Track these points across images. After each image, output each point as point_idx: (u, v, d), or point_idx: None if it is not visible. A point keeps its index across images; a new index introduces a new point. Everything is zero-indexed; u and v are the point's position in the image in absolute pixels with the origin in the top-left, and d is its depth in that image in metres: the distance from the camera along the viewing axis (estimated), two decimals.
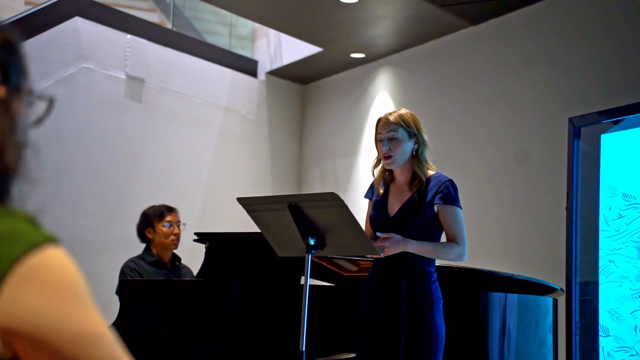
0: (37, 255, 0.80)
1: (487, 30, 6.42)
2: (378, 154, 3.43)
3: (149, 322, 4.15)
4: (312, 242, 2.97)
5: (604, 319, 4.76)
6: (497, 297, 3.88)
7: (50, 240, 0.82)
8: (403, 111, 3.37)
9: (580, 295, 4.91)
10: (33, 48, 6.13)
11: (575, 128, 5.02)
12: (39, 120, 0.94)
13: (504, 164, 6.15)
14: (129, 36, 6.89)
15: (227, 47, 8.06)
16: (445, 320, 3.25)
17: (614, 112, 4.94)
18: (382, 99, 7.35)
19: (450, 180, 3.30)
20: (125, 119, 6.83)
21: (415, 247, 3.18)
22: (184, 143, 7.26)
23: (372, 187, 3.51)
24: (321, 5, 6.32)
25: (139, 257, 4.77)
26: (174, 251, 4.88)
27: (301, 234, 2.97)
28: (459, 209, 3.28)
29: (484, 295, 3.83)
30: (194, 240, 4.55)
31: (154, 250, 4.78)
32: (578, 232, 4.95)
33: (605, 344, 4.73)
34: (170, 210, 4.82)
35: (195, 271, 4.65)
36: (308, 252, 2.98)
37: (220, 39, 8.37)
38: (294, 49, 7.62)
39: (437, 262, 3.36)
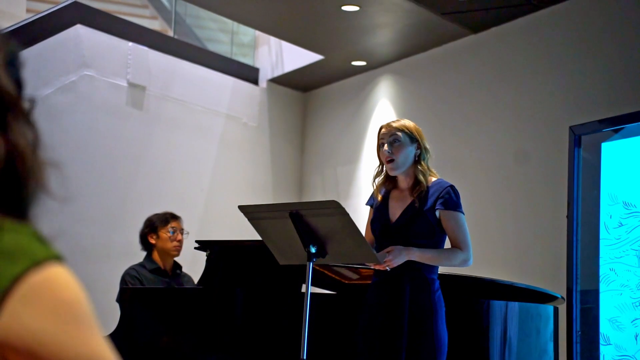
0: (39, 273, 0.79)
1: (487, 38, 6.43)
2: (380, 161, 3.42)
3: (150, 330, 4.15)
4: (313, 250, 2.97)
5: (604, 327, 4.76)
6: (498, 305, 3.87)
7: (54, 257, 0.81)
8: (405, 120, 3.39)
9: (581, 303, 4.91)
10: (35, 55, 6.15)
11: (576, 136, 5.03)
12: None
13: (505, 171, 6.15)
14: (130, 44, 6.90)
15: (228, 55, 8.07)
16: (447, 328, 3.25)
17: (615, 120, 4.94)
18: (383, 107, 7.36)
19: (452, 186, 3.29)
20: (126, 127, 6.84)
21: (418, 254, 3.18)
22: (185, 150, 7.26)
23: (373, 194, 3.51)
24: (322, 13, 6.34)
25: (140, 264, 4.77)
26: (176, 259, 4.88)
27: (302, 241, 2.97)
28: (461, 214, 3.28)
29: (485, 304, 3.83)
30: (195, 248, 4.55)
31: (155, 258, 4.78)
32: (579, 241, 4.94)
33: (605, 352, 4.72)
34: (175, 217, 4.85)
35: (196, 279, 4.66)
36: (309, 260, 2.98)
37: (221, 47, 8.39)
38: (295, 57, 7.63)
39: (438, 270, 3.35)
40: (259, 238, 3.18)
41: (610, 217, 4.80)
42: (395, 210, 3.34)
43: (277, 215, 3.02)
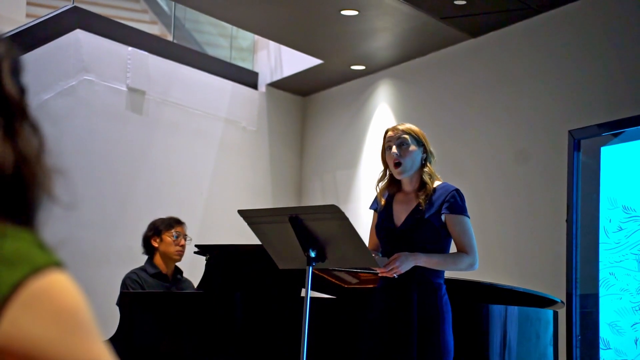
0: (39, 280, 0.78)
1: (487, 42, 6.44)
2: (384, 165, 3.41)
3: (150, 334, 4.15)
4: (312, 254, 2.97)
5: (604, 331, 4.76)
6: (497, 309, 3.87)
7: (54, 264, 0.80)
8: (410, 124, 3.39)
9: (581, 307, 4.91)
10: (34, 60, 6.15)
11: (575, 140, 5.03)
12: None
13: (504, 175, 6.15)
14: (129, 48, 6.90)
15: (227, 59, 8.08)
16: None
17: (614, 124, 4.95)
18: (382, 111, 7.36)
19: (457, 190, 3.29)
20: (126, 131, 6.84)
21: (424, 260, 3.17)
22: (184, 155, 7.26)
23: (376, 198, 3.50)
24: (321, 17, 6.34)
25: (141, 268, 4.78)
26: (177, 264, 4.89)
27: (302, 246, 2.97)
28: (467, 218, 3.28)
29: (485, 308, 3.83)
30: (195, 253, 4.55)
31: (157, 262, 4.79)
32: (578, 245, 4.94)
33: (605, 356, 4.72)
34: (180, 222, 4.88)
35: (195, 284, 4.66)
36: (309, 264, 2.98)
37: (220, 51, 8.40)
38: (294, 61, 7.63)
39: (444, 274, 3.35)
40: (259, 242, 3.18)
41: (610, 221, 4.80)
42: (400, 215, 3.33)
43: (277, 220, 3.02)
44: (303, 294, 3.20)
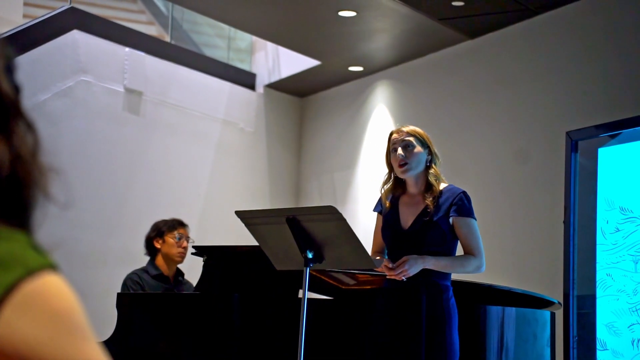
0: (33, 282, 0.78)
1: (485, 43, 6.44)
2: (388, 167, 3.41)
3: (147, 335, 4.14)
4: (310, 255, 2.97)
5: (601, 332, 4.76)
6: (494, 310, 3.87)
7: (48, 266, 0.80)
8: (413, 126, 3.39)
9: (578, 308, 4.91)
10: (31, 61, 6.14)
11: (573, 142, 5.03)
12: None
13: (502, 176, 6.16)
14: (127, 49, 6.90)
15: (225, 60, 8.08)
16: None
17: (612, 125, 4.95)
18: (380, 112, 7.36)
19: (464, 192, 3.30)
20: (123, 132, 6.83)
21: (432, 262, 3.18)
22: (182, 156, 7.26)
23: (380, 200, 3.49)
24: (319, 18, 6.34)
25: (143, 269, 4.78)
26: (178, 266, 4.88)
27: (299, 247, 2.97)
28: (474, 221, 3.29)
29: (482, 309, 3.83)
30: (192, 254, 4.54)
31: (159, 263, 4.79)
32: (575, 246, 4.95)
33: (602, 357, 4.72)
34: (183, 224, 4.88)
35: (194, 285, 4.65)
36: (306, 265, 2.98)
37: (218, 52, 8.39)
38: (292, 62, 7.63)
39: (451, 276, 3.36)
40: (256, 243, 3.18)
41: (607, 223, 4.80)
42: (407, 217, 3.33)
43: (274, 221, 3.02)
44: (300, 295, 3.20)
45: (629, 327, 4.63)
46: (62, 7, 6.64)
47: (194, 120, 7.37)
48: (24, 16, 7.61)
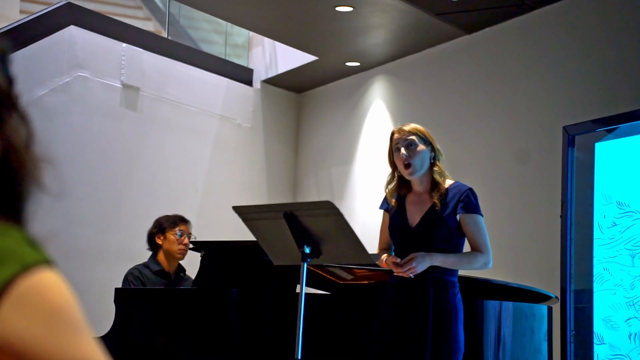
0: (29, 278, 0.77)
1: (481, 39, 6.44)
2: (391, 167, 3.40)
3: (145, 331, 4.15)
4: (307, 250, 2.97)
5: (598, 326, 4.77)
6: (492, 305, 3.88)
7: (44, 261, 0.80)
8: (414, 124, 3.39)
9: (575, 303, 4.92)
10: (28, 57, 6.14)
11: (570, 136, 5.04)
12: None
13: (499, 171, 6.16)
14: (124, 45, 6.89)
15: (222, 56, 8.07)
16: None
17: (608, 120, 4.96)
18: (377, 108, 7.36)
19: (471, 189, 3.31)
20: (120, 128, 6.83)
21: (440, 260, 3.19)
22: (179, 151, 7.26)
23: (386, 198, 3.48)
24: (316, 14, 6.34)
25: (144, 265, 4.77)
26: (180, 262, 4.88)
27: (297, 242, 2.97)
28: (481, 217, 3.31)
29: (479, 303, 3.83)
30: (190, 249, 4.54)
31: (160, 259, 4.77)
32: (572, 240, 4.95)
33: (599, 351, 4.74)
34: (184, 221, 4.85)
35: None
36: (303, 260, 2.98)
37: (215, 48, 8.39)
38: (289, 58, 7.63)
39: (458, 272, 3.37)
40: (254, 239, 3.19)
41: (604, 217, 4.81)
42: (415, 215, 3.33)
43: (272, 216, 3.02)
44: (298, 290, 3.21)
45: (626, 321, 4.64)
46: (59, 2, 6.63)
47: (191, 115, 7.37)
48: (21, 12, 7.61)
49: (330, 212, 2.88)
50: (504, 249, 5.98)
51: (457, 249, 3.30)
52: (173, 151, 7.21)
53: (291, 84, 8.12)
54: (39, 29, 6.37)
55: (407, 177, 3.34)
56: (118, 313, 4.15)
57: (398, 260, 3.18)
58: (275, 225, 3.00)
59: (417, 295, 3.22)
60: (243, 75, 7.95)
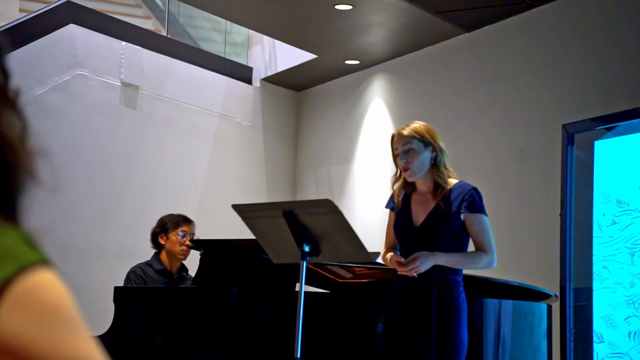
0: (26, 277, 0.77)
1: (481, 37, 6.44)
2: (397, 168, 3.42)
3: (144, 329, 4.15)
4: (307, 248, 2.97)
5: (598, 325, 4.77)
6: (491, 303, 3.88)
7: (41, 261, 0.79)
8: (415, 124, 3.39)
9: (575, 301, 4.92)
10: (28, 55, 6.14)
11: (569, 134, 5.04)
12: None
13: (499, 170, 6.16)
14: (123, 43, 6.89)
15: (221, 54, 8.07)
16: None
17: (608, 118, 4.96)
18: (377, 106, 7.36)
19: (475, 188, 3.31)
20: (120, 126, 6.83)
21: (444, 259, 3.19)
22: (179, 150, 7.26)
23: (392, 197, 3.49)
24: (316, 12, 6.33)
25: (147, 263, 4.75)
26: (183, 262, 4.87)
27: (296, 240, 2.97)
28: (485, 217, 3.31)
29: (479, 302, 3.83)
30: (189, 248, 4.54)
31: (163, 258, 4.76)
32: (572, 239, 4.96)
33: (599, 350, 4.74)
34: (188, 221, 4.82)
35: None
36: (303, 258, 2.98)
37: (215, 46, 8.38)
38: (289, 56, 7.62)
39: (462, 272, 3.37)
40: (253, 237, 3.18)
41: (604, 215, 4.81)
42: (419, 214, 3.34)
43: (271, 214, 3.02)
44: (297, 288, 3.21)
45: (625, 319, 4.64)
46: (58, 1, 6.63)
47: (191, 114, 7.36)
48: (20, 10, 7.60)
49: (330, 211, 2.88)
50: (504, 247, 5.97)
51: (461, 248, 3.31)
52: (172, 149, 7.21)
53: (291, 82, 8.12)
54: (38, 27, 6.37)
55: (408, 180, 3.35)
56: (117, 311, 4.15)
57: (402, 259, 3.18)
58: (274, 223, 3.00)
59: (421, 294, 3.22)
60: (242, 73, 7.95)
